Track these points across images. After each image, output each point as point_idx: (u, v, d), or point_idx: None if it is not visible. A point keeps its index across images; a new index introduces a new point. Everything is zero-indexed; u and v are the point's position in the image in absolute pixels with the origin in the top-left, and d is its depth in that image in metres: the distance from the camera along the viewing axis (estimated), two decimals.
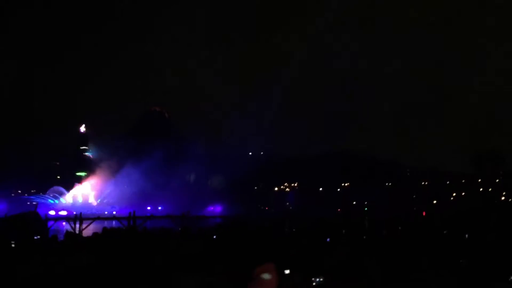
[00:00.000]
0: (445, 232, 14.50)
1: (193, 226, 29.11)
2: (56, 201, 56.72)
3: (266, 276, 2.75)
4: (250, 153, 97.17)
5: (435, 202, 68.22)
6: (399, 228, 17.32)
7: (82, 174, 63.81)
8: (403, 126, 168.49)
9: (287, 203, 73.19)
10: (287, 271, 6.41)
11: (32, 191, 59.40)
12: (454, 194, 74.13)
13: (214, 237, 11.17)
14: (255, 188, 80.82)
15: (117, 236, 12.73)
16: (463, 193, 72.79)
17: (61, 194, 58.85)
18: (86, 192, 60.26)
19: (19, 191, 62.17)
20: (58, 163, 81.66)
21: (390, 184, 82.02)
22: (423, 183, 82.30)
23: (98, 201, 57.41)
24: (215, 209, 58.40)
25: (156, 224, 28.01)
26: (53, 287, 5.51)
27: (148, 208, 52.53)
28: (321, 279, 6.03)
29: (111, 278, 6.21)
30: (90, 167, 65.40)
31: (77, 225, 34.50)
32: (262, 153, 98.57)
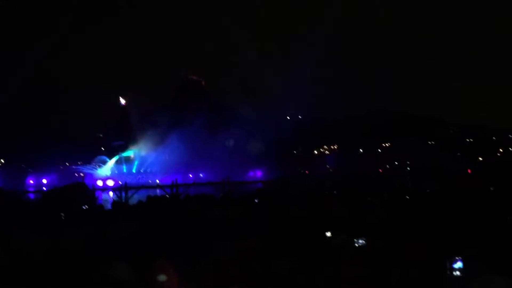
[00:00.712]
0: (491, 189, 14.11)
1: (234, 191, 29.54)
2: (102, 171, 58.57)
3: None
4: (288, 117, 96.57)
5: (481, 159, 66.29)
6: (443, 187, 16.94)
7: (122, 144, 65.26)
8: (444, 81, 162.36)
9: (327, 166, 72.89)
10: (328, 233, 6.41)
11: (78, 162, 61.44)
12: (501, 150, 71.73)
13: (256, 201, 11.27)
14: (294, 152, 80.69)
15: (161, 203, 13.07)
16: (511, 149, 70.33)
17: (106, 163, 60.63)
18: (129, 162, 61.82)
19: (66, 163, 64.38)
20: (101, 135, 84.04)
21: (433, 142, 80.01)
22: (467, 140, 79.85)
23: (141, 171, 58.83)
24: (256, 174, 58.92)
25: (198, 191, 28.58)
26: (101, 255, 5.69)
27: (190, 175, 53.47)
28: (364, 240, 5.99)
29: (154, 245, 6.35)
30: (131, 138, 66.77)
31: (123, 194, 35.68)
32: (300, 116, 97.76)
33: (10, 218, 10.22)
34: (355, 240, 6.03)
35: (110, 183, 50.59)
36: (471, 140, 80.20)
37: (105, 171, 59.03)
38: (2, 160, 74.81)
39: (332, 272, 5.02)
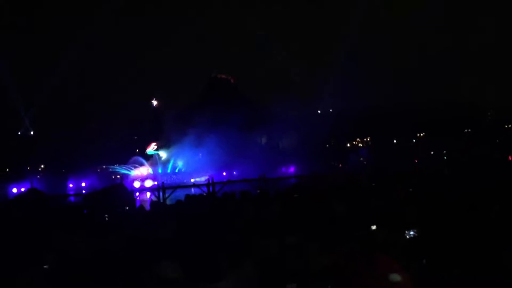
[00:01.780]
0: None
1: (269, 188, 29.55)
2: (138, 172, 59.67)
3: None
4: (319, 111, 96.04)
5: None
6: (483, 175, 16.42)
7: (154, 146, 66.32)
8: (481, 66, 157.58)
9: (361, 158, 72.06)
10: (373, 227, 6.29)
11: (115, 165, 62.81)
12: None
13: (295, 196, 11.21)
14: (327, 145, 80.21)
15: (199, 201, 13.16)
16: None
17: (141, 164, 61.72)
18: (164, 162, 62.75)
19: (103, 166, 65.88)
20: (136, 137, 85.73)
21: (469, 130, 78.08)
22: (506, 126, 77.48)
23: (176, 170, 59.65)
24: (288, 169, 58.77)
25: (233, 188, 28.72)
26: (147, 255, 5.75)
27: (224, 173, 53.81)
28: (415, 232, 5.82)
29: (196, 244, 6.38)
30: (165, 138, 67.73)
31: (161, 194, 36.29)
32: (331, 110, 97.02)
33: (54, 221, 10.51)
34: (406, 232, 5.86)
35: (149, 183, 51.41)
36: (510, 125, 77.80)
37: (141, 172, 60.09)
38: (42, 166, 77.33)
39: (382, 266, 4.90)
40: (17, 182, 53.68)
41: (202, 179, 48.82)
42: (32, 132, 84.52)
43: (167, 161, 63.10)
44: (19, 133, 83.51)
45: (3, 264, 5.90)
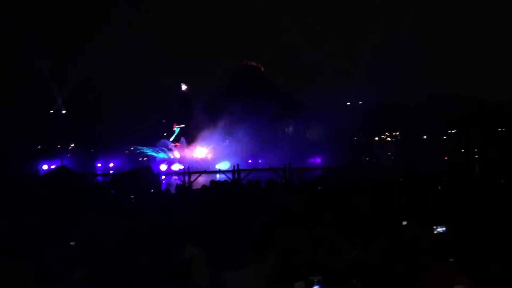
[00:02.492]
0: None
1: (295, 178, 29.45)
2: (165, 155, 60.30)
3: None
4: (348, 103, 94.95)
5: None
6: None
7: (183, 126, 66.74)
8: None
9: (389, 153, 71.04)
10: (404, 222, 6.16)
11: (143, 147, 63.55)
12: None
13: (319, 188, 11.10)
14: (355, 138, 79.33)
15: (224, 188, 13.18)
16: None
17: (168, 147, 62.34)
18: (192, 147, 63.24)
19: (131, 148, 66.78)
20: (164, 121, 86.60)
21: (503, 128, 75.92)
22: None
23: (203, 156, 60.02)
24: (315, 160, 58.42)
25: (259, 176, 28.69)
26: (169, 237, 5.78)
27: (249, 161, 53.84)
28: (444, 228, 5.67)
29: (216, 230, 6.36)
30: (193, 124, 68.19)
31: (186, 178, 36.65)
32: (360, 102, 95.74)
33: (82, 200, 10.70)
34: (434, 227, 5.72)
35: (176, 167, 51.72)
36: None
37: (174, 155, 60.68)
38: (73, 144, 79.03)
39: (410, 262, 4.80)
40: (48, 159, 55.05)
41: (226, 165, 49.07)
42: (64, 111, 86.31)
43: (194, 146, 63.54)
44: (51, 111, 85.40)
45: (32, 239, 6.03)
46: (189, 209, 8.54)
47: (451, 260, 4.88)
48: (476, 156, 54.49)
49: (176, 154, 60.76)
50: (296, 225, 6.67)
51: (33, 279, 4.83)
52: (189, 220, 7.53)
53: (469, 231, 5.96)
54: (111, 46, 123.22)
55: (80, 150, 69.76)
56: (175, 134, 65.07)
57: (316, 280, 4.45)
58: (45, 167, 51.66)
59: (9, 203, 10.17)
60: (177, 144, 63.91)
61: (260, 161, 55.38)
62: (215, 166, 51.62)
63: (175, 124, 66.62)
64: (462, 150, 64.92)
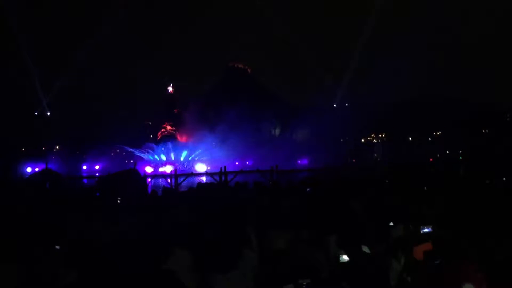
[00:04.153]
0: None
1: (282, 179, 29.49)
2: (151, 157, 60.01)
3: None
4: (335, 105, 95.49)
5: None
6: (503, 178, 16.11)
7: (171, 131, 66.41)
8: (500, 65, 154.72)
9: (375, 154, 71.58)
10: (390, 223, 6.20)
11: (128, 149, 63.17)
12: None
13: (308, 190, 11.13)
14: (341, 140, 79.76)
15: (211, 190, 13.14)
16: None
17: (154, 150, 62.04)
18: (177, 149, 63.00)
19: (117, 150, 66.35)
20: (150, 123, 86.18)
21: (487, 130, 76.98)
22: None
23: (189, 158, 59.83)
24: (302, 162, 58.61)
25: (246, 179, 28.69)
26: (160, 241, 5.74)
27: (236, 163, 53.80)
28: (430, 229, 5.73)
29: (203, 233, 6.33)
30: (179, 126, 67.99)
31: (173, 181, 36.45)
32: (347, 104, 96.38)
33: (68, 203, 10.58)
34: (420, 227, 5.77)
35: (169, 169, 51.20)
36: None
37: (154, 157, 60.42)
38: (58, 147, 78.26)
39: (400, 262, 4.82)
40: (32, 161, 54.39)
41: (203, 169, 49.17)
42: (48, 113, 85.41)
43: (180, 148, 63.29)
44: (35, 113, 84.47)
45: (17, 240, 5.94)
46: (176, 211, 8.49)
47: (436, 262, 4.93)
48: (460, 158, 55.10)
49: (162, 156, 60.51)
50: (285, 227, 6.66)
51: (23, 283, 4.76)
52: (177, 222, 7.49)
53: (454, 232, 6.02)
54: (97, 48, 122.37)
55: (65, 152, 69.04)
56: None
57: (305, 283, 4.44)
58: (29, 169, 51.04)
59: None
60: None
61: (247, 163, 55.39)
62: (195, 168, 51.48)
63: (159, 134, 65.78)
64: (447, 152, 65.65)
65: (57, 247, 5.92)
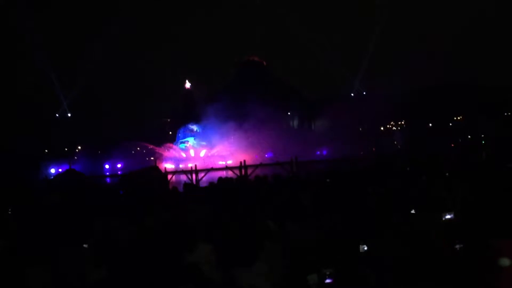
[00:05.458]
0: None
1: (301, 171, 29.47)
2: (171, 154, 60.49)
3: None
4: (352, 94, 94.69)
5: None
6: None
7: (194, 128, 66.59)
8: None
9: (395, 142, 70.81)
10: (412, 211, 6.19)
11: (150, 147, 63.74)
12: None
13: (328, 181, 11.13)
14: (360, 129, 79.09)
15: (232, 184, 13.24)
16: None
17: (173, 147, 62.60)
18: (197, 145, 63.31)
19: (138, 148, 66.97)
20: (169, 120, 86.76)
21: (509, 113, 75.50)
22: None
23: (209, 154, 60.09)
24: (322, 152, 58.35)
25: (266, 172, 28.76)
26: (182, 234, 5.83)
27: (256, 156, 53.81)
28: (452, 215, 5.71)
29: (225, 229, 6.41)
30: (197, 121, 68.14)
31: (194, 176, 36.72)
32: (364, 93, 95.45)
33: (93, 202, 10.79)
34: (442, 214, 5.75)
35: (189, 165, 51.14)
36: None
37: (175, 154, 60.89)
38: (79, 147, 79.43)
39: (422, 249, 4.84)
40: (55, 163, 55.35)
41: (230, 162, 49.25)
42: (69, 114, 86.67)
43: (200, 144, 63.59)
44: (56, 114, 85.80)
45: (45, 241, 6.12)
46: (199, 207, 8.61)
47: (460, 246, 4.91)
48: (483, 142, 54.20)
49: (182, 153, 60.96)
50: (306, 219, 6.71)
51: (50, 284, 4.91)
52: (199, 218, 7.60)
53: (477, 217, 5.98)
54: (112, 46, 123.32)
55: (87, 152, 70.02)
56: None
57: (328, 272, 4.50)
58: (53, 170, 51.97)
59: (22, 207, 10.28)
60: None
61: (266, 156, 55.38)
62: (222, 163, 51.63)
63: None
64: (469, 137, 64.63)
65: (85, 245, 6.08)
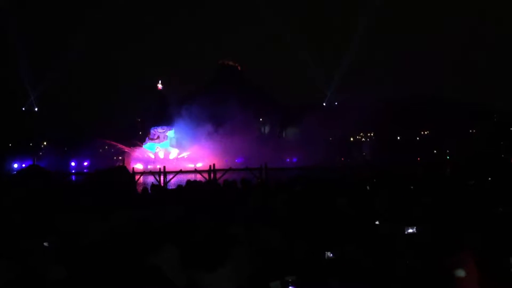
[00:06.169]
0: None
1: (271, 178, 29.56)
2: (140, 154, 59.73)
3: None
4: (324, 104, 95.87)
5: None
6: (488, 177, 16.29)
7: (162, 130, 66.02)
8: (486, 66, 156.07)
9: (364, 153, 71.97)
10: (376, 222, 6.29)
11: (118, 146, 62.79)
12: None
13: (296, 188, 11.18)
14: (330, 138, 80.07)
15: (200, 187, 13.17)
16: None
17: (143, 147, 61.83)
18: (167, 147, 62.75)
19: (106, 147, 65.96)
20: (139, 120, 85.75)
21: (474, 131, 77.76)
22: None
23: (179, 156, 59.65)
24: (292, 160, 58.77)
25: (235, 177, 28.69)
26: (147, 238, 5.77)
27: (226, 161, 53.76)
28: (414, 229, 5.82)
29: (191, 231, 6.38)
30: (169, 123, 67.62)
31: (161, 178, 36.35)
32: (336, 103, 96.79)
33: (56, 200, 10.54)
34: (405, 227, 5.86)
35: (157, 166, 50.58)
36: None
37: (144, 154, 60.16)
38: (45, 143, 77.55)
39: (384, 261, 4.92)
40: (19, 158, 53.87)
41: (199, 165, 49.10)
42: (36, 109, 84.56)
43: (170, 146, 63.05)
44: (23, 108, 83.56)
45: (6, 236, 5.95)
46: (165, 209, 8.52)
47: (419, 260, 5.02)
48: (448, 158, 55.67)
49: (151, 154, 60.27)
50: (272, 225, 6.73)
51: (15, 280, 4.77)
52: (165, 220, 7.52)
53: (439, 232, 6.12)
54: (85, 43, 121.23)
55: (53, 148, 68.40)
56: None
57: (291, 280, 4.50)
58: (15, 165, 50.55)
59: None
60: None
61: (236, 161, 55.36)
62: (191, 166, 51.31)
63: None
64: (435, 151, 66.24)
65: (45, 244, 5.93)
